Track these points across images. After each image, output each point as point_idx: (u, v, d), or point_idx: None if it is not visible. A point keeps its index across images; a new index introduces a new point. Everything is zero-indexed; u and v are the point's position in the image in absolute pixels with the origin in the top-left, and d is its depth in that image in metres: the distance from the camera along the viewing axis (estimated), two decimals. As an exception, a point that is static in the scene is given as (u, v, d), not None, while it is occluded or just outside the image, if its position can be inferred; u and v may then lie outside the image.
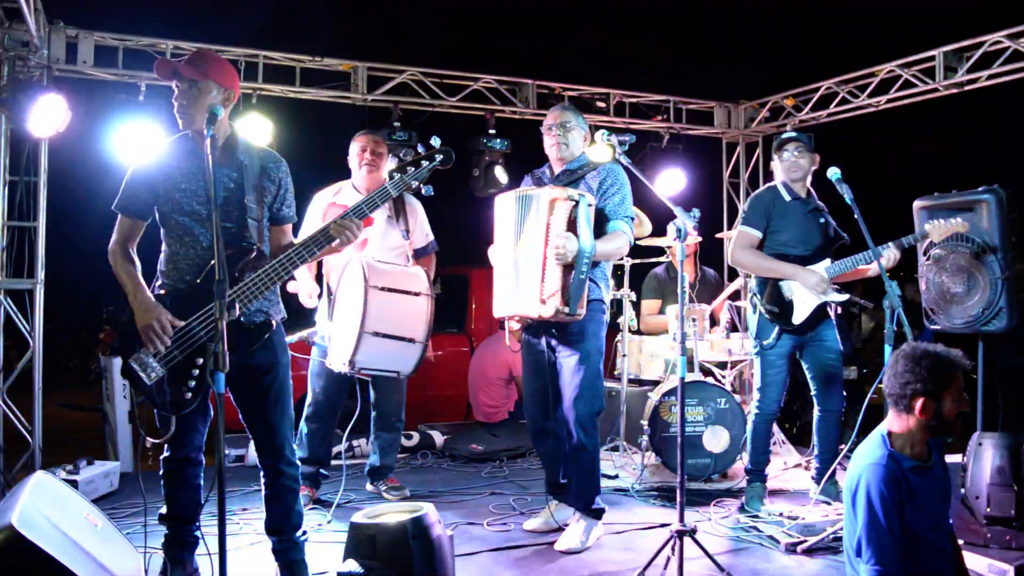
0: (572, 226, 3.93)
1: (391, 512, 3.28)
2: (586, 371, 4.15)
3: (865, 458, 2.85)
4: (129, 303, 3.16)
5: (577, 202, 3.93)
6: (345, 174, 4.99)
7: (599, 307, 4.23)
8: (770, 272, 4.78)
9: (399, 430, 5.16)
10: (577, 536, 4.18)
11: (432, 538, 3.15)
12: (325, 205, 4.91)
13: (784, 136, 4.90)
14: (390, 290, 4.01)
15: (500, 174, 7.15)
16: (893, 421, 2.89)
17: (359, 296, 3.92)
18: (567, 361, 4.19)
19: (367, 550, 3.09)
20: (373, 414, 5.05)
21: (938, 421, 2.81)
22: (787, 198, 4.82)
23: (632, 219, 4.27)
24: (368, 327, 3.88)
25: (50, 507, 3.10)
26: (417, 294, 4.10)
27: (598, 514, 4.29)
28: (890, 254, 4.47)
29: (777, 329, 4.77)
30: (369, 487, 5.16)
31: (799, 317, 4.72)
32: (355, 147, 4.88)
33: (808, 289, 4.68)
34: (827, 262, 4.73)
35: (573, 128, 4.31)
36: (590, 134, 4.43)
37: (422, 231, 5.05)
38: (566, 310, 3.91)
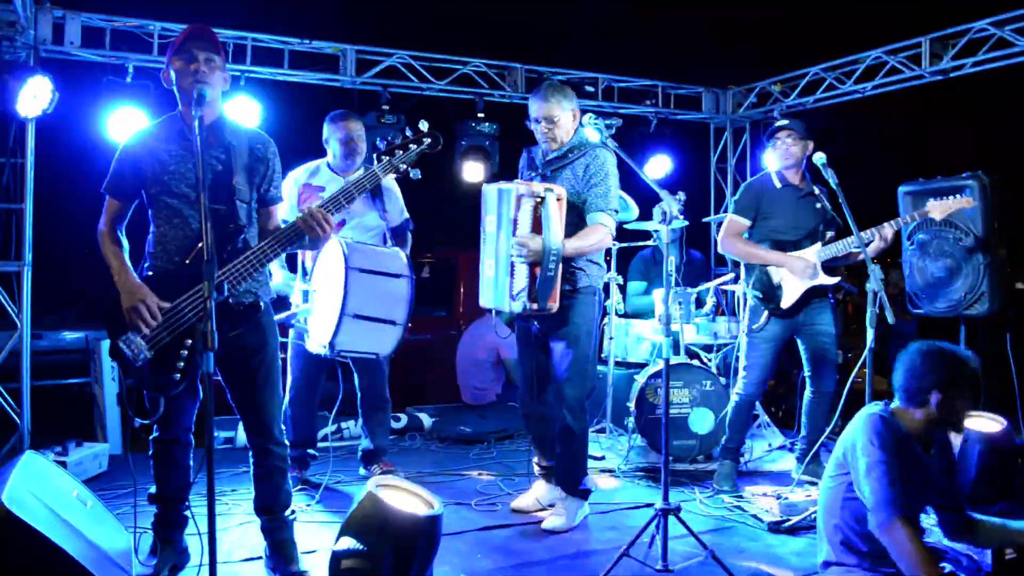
0: (538, 223, 3.93)
1: (407, 492, 3.19)
2: (575, 354, 4.18)
3: (862, 419, 2.92)
4: (116, 284, 3.17)
5: (543, 198, 3.91)
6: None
7: (589, 291, 4.25)
8: (757, 259, 4.84)
9: (387, 409, 5.11)
10: (563, 516, 4.23)
11: (435, 541, 3.11)
12: (299, 187, 4.84)
13: (777, 124, 4.93)
14: (371, 272, 3.97)
15: (488, 160, 7.15)
16: (899, 410, 2.98)
17: (339, 278, 3.88)
18: (557, 345, 4.23)
19: (375, 525, 3.01)
20: (359, 396, 5.02)
21: (947, 417, 2.91)
22: (778, 185, 4.88)
23: (616, 211, 4.23)
24: (349, 309, 3.83)
25: (39, 486, 3.12)
26: (397, 276, 4.04)
27: (585, 494, 4.34)
28: (888, 233, 4.49)
29: (766, 313, 4.83)
30: (363, 471, 5.13)
31: (787, 301, 4.78)
32: (337, 131, 4.80)
33: (795, 274, 4.73)
34: (817, 246, 4.78)
35: (559, 119, 4.21)
36: (579, 111, 4.34)
37: (398, 210, 4.98)
38: (534, 307, 3.96)
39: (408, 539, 2.97)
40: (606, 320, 6.16)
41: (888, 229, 4.53)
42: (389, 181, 4.97)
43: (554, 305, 4.00)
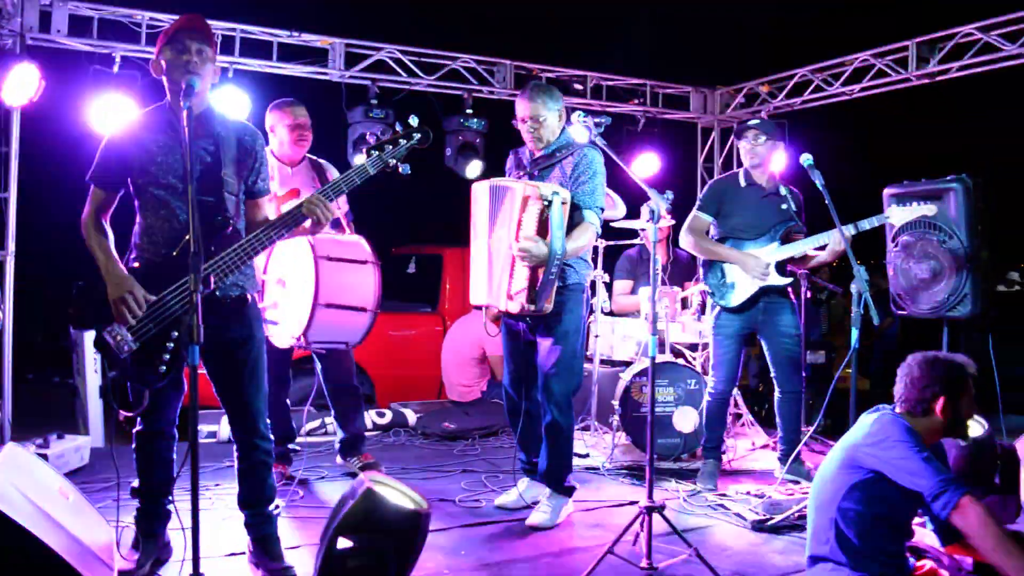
0: (544, 226, 3.94)
1: (394, 489, 3.15)
2: (563, 351, 4.19)
3: (883, 422, 2.93)
4: (101, 275, 3.14)
5: (550, 202, 3.91)
6: (318, 150, 4.93)
7: (578, 288, 4.26)
8: (712, 255, 4.95)
9: (356, 394, 4.99)
10: (547, 513, 4.23)
11: (424, 537, 3.11)
12: None
13: (747, 123, 4.97)
14: (338, 260, 3.95)
15: (476, 156, 7.13)
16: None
17: (308, 268, 3.85)
18: (544, 341, 4.23)
19: (376, 522, 2.98)
20: (327, 388, 4.90)
21: (952, 423, 2.95)
22: (742, 184, 4.95)
23: (602, 209, 4.25)
24: (321, 299, 3.82)
25: (20, 479, 3.09)
26: (364, 262, 4.04)
27: (569, 492, 4.35)
28: (837, 236, 4.50)
29: (718, 308, 4.92)
30: (339, 460, 5.04)
31: (738, 299, 4.86)
32: (286, 119, 4.73)
33: (747, 272, 4.80)
34: (774, 246, 4.82)
35: (545, 119, 4.21)
36: (565, 112, 4.36)
37: (343, 198, 4.86)
38: (531, 308, 3.97)
39: (408, 534, 2.99)
40: (592, 318, 6.17)
41: (848, 230, 4.56)
42: (328, 165, 4.94)
43: (549, 306, 4.02)
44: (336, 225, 4.75)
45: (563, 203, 3.97)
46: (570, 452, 4.39)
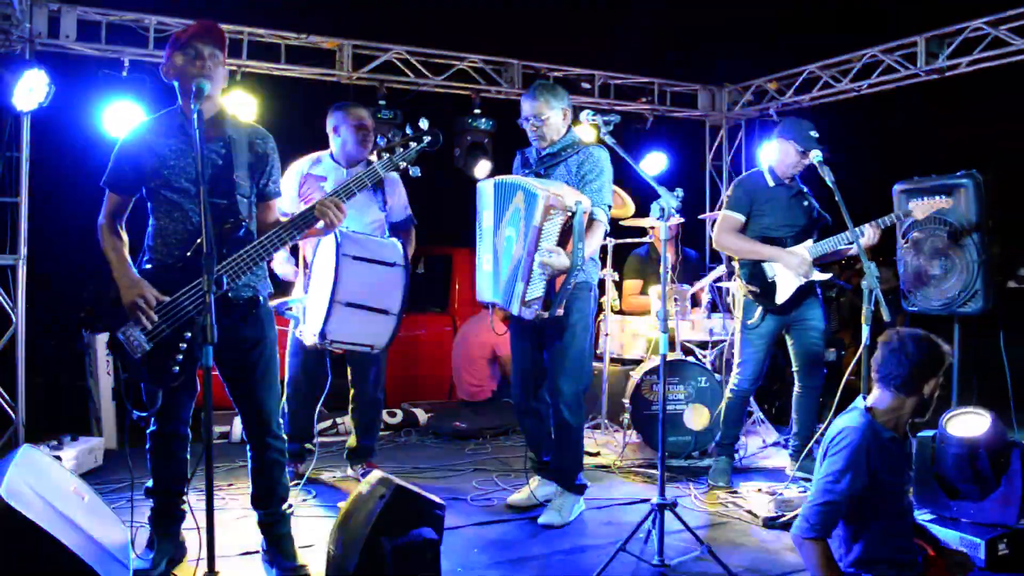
0: (566, 236, 3.93)
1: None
2: (572, 349, 4.20)
3: (847, 422, 2.95)
4: (114, 278, 3.16)
5: (574, 212, 3.91)
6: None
7: (586, 287, 4.25)
8: (753, 254, 4.86)
9: (379, 407, 5.02)
10: (559, 511, 4.24)
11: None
12: (301, 176, 4.81)
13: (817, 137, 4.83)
14: (364, 260, 3.90)
15: (484, 156, 7.14)
16: (881, 400, 3.00)
17: (331, 266, 3.86)
18: (555, 340, 4.24)
19: (413, 512, 3.07)
20: (351, 392, 4.91)
21: (929, 402, 2.99)
22: (771, 183, 4.90)
23: (609, 206, 4.26)
24: (340, 297, 3.77)
25: (36, 479, 3.11)
26: (392, 264, 3.97)
27: (580, 490, 4.36)
28: (870, 233, 4.54)
29: (761, 309, 4.86)
30: (349, 471, 5.02)
31: (782, 297, 4.81)
32: (348, 119, 4.75)
33: (790, 270, 4.76)
34: (809, 243, 4.81)
35: (548, 117, 4.23)
36: (571, 110, 4.35)
37: (401, 205, 4.92)
38: (545, 315, 3.99)
39: (439, 519, 3.11)
40: (602, 316, 6.18)
41: (870, 229, 4.55)
42: (393, 175, 4.93)
43: (562, 311, 4.03)
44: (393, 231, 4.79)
45: (584, 212, 3.97)
46: (580, 450, 4.40)
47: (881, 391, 3.00)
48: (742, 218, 4.91)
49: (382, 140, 3.60)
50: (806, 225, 4.87)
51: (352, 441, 5.00)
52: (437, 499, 3.16)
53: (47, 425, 5.39)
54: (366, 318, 3.90)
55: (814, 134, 4.74)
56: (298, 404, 4.82)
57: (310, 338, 4.03)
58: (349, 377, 4.89)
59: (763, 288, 4.85)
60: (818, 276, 4.78)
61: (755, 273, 4.88)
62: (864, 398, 3.06)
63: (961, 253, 4.69)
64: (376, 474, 3.23)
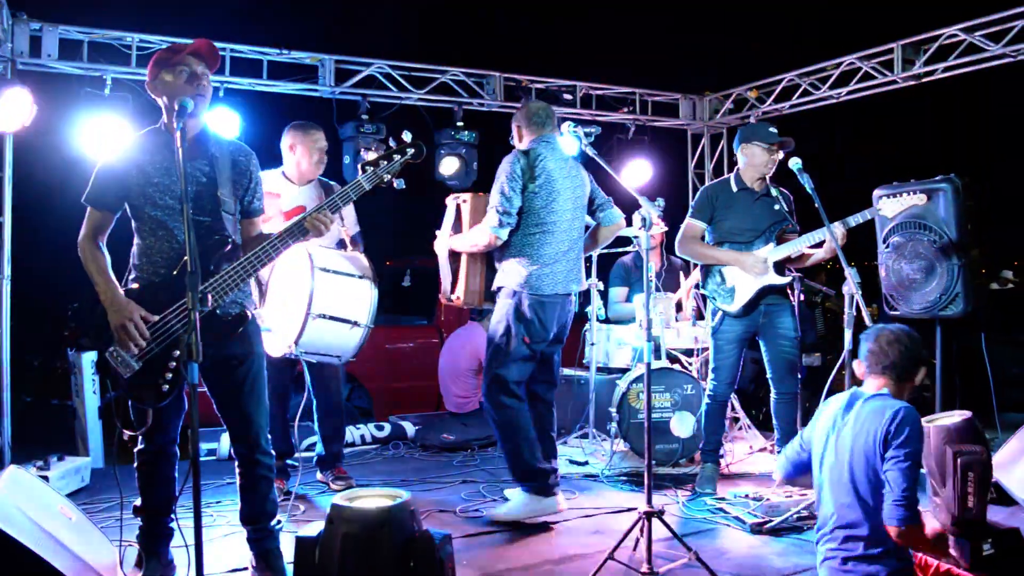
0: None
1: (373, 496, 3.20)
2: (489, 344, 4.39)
3: (889, 405, 2.98)
4: (99, 298, 3.16)
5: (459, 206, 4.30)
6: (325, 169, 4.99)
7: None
8: (710, 259, 4.96)
9: (342, 413, 5.08)
10: (504, 506, 4.36)
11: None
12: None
13: (778, 135, 4.88)
14: (335, 272, 4.02)
15: (467, 168, 7.16)
16: (881, 390, 3.09)
17: (305, 279, 3.90)
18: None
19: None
20: (314, 402, 4.95)
21: (920, 388, 3.17)
22: (734, 189, 4.97)
23: (498, 210, 4.28)
24: (315, 309, 3.87)
25: (24, 500, 3.11)
26: (361, 277, 4.11)
27: (525, 486, 4.35)
28: (837, 232, 4.52)
29: (720, 313, 4.93)
30: (319, 476, 5.13)
31: (739, 301, 4.86)
32: (309, 141, 4.81)
33: (748, 272, 4.82)
34: (771, 246, 4.85)
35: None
36: (523, 127, 4.47)
37: (352, 220, 5.02)
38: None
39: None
40: (587, 325, 6.21)
41: (838, 228, 4.57)
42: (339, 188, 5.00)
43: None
44: (341, 245, 4.80)
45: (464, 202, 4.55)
46: (513, 442, 4.35)
47: (879, 382, 3.09)
48: (703, 225, 5.00)
49: (364, 153, 3.62)
50: (768, 229, 4.91)
51: (319, 448, 5.08)
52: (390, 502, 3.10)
53: (33, 445, 5.37)
54: (337, 330, 4.00)
55: (773, 130, 4.85)
56: (271, 420, 4.79)
57: (281, 350, 4.06)
58: (309, 387, 4.90)
59: (721, 294, 4.93)
60: (776, 279, 4.82)
61: (712, 278, 4.97)
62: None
63: (941, 256, 4.75)
64: (343, 495, 3.20)
